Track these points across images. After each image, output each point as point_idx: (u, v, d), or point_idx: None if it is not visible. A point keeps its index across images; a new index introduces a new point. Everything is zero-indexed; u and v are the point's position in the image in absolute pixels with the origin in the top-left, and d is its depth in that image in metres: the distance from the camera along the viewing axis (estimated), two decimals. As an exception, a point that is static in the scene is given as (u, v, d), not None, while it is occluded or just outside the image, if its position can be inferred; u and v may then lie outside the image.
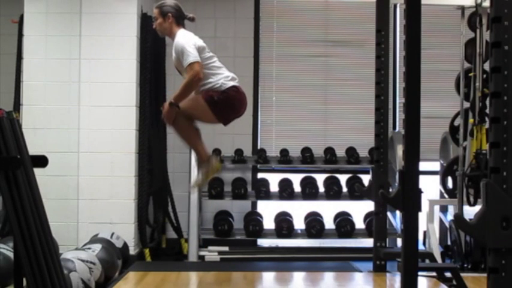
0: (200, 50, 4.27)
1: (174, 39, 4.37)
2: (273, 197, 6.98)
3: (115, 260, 5.31)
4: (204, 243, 6.64)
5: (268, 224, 6.90)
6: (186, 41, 4.26)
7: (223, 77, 4.33)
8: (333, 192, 6.94)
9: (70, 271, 4.38)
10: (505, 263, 2.45)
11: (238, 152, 6.99)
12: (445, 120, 6.30)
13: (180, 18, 4.46)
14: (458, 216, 2.69)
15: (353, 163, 7.06)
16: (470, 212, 5.39)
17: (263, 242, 7.16)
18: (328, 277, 5.27)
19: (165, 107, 4.29)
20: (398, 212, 6.59)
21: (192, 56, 4.19)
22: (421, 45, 3.39)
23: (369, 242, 6.17)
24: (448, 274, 4.51)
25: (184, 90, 4.23)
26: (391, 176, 6.30)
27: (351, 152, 7.09)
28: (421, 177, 3.43)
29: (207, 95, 4.29)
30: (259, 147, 7.29)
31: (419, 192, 3.38)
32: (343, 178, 7.10)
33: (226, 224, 6.78)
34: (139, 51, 6.26)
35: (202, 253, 6.40)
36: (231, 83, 4.33)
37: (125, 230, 5.98)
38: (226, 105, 4.33)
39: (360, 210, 7.03)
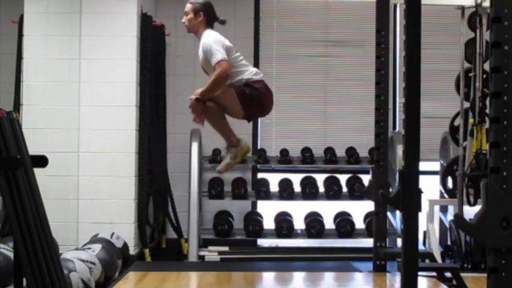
0: (228, 50, 4.26)
1: (201, 38, 4.35)
2: (273, 197, 6.98)
3: (115, 260, 5.31)
4: (204, 243, 6.64)
5: (268, 224, 6.90)
6: (214, 40, 4.24)
7: (249, 72, 4.34)
8: (333, 192, 6.94)
9: (70, 271, 4.38)
10: (505, 263, 2.45)
11: (238, 152, 6.99)
12: (445, 120, 6.30)
13: (211, 19, 4.44)
14: (458, 216, 2.69)
15: (353, 163, 7.07)
16: (470, 212, 5.38)
17: (263, 242, 7.16)
18: (328, 277, 5.27)
19: (192, 102, 4.21)
20: (398, 212, 6.59)
21: (220, 54, 4.17)
22: (421, 45, 3.39)
23: (369, 242, 6.17)
24: (448, 274, 4.51)
25: (212, 87, 4.18)
26: (391, 176, 6.30)
27: (351, 152, 7.09)
28: (421, 177, 3.43)
29: (239, 88, 4.29)
30: (259, 147, 7.29)
31: (419, 192, 3.38)
32: (343, 178, 7.10)
33: (226, 224, 6.78)
34: (139, 51, 6.25)
35: (202, 253, 6.39)
36: (258, 77, 4.35)
37: (125, 230, 5.98)
38: (256, 100, 4.32)
39: (360, 210, 7.03)
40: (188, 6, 4.43)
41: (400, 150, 5.88)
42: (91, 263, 4.78)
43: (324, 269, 5.86)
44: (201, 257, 6.34)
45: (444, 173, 6.28)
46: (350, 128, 7.45)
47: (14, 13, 6.48)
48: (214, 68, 4.17)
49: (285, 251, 6.80)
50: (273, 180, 7.07)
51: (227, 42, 4.32)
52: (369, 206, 6.40)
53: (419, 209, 3.38)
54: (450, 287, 4.40)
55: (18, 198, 3.24)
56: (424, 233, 6.09)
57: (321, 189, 7.01)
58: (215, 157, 7.02)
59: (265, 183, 7.01)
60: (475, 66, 5.67)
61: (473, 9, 5.71)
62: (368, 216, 6.81)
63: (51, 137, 5.98)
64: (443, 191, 6.33)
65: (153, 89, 6.50)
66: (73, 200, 6.02)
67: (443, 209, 6.70)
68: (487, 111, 5.37)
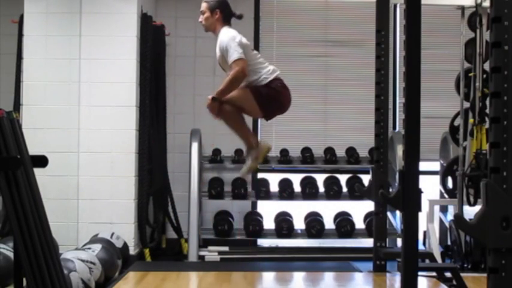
0: (245, 47, 4.27)
1: (218, 36, 4.36)
2: (273, 197, 6.98)
3: (115, 260, 5.31)
4: (204, 243, 6.64)
5: (268, 224, 6.90)
6: (231, 38, 4.26)
7: (266, 71, 4.35)
8: (333, 192, 6.94)
9: (70, 271, 4.38)
10: (505, 263, 2.45)
11: (238, 152, 6.98)
12: (445, 120, 6.30)
13: (227, 16, 4.45)
14: (458, 216, 2.69)
15: (353, 163, 7.06)
16: (470, 212, 5.39)
17: (263, 242, 7.16)
18: (328, 277, 5.27)
19: (209, 101, 4.24)
20: (398, 212, 6.59)
21: (237, 52, 4.19)
22: (421, 45, 3.39)
23: (369, 242, 6.17)
24: (448, 274, 4.51)
25: (228, 86, 4.20)
26: (391, 176, 6.30)
27: (351, 152, 7.09)
28: (421, 177, 3.43)
29: (255, 88, 4.31)
30: (259, 147, 7.27)
31: (419, 192, 3.38)
32: (343, 178, 7.09)
33: (226, 224, 6.78)
34: (139, 51, 6.25)
35: (202, 253, 6.40)
36: (274, 75, 4.36)
37: (125, 230, 5.98)
38: (273, 99, 4.37)
39: (360, 210, 7.03)
40: (204, 5, 4.44)
41: (400, 150, 5.88)
42: (91, 263, 4.78)
43: (324, 269, 5.86)
44: (201, 257, 6.34)
45: (444, 173, 6.28)
46: (350, 128, 7.44)
47: (14, 13, 6.47)
48: (231, 66, 4.19)
49: (285, 251, 6.80)
50: (273, 180, 7.07)
51: (244, 40, 4.34)
52: (369, 206, 6.40)
53: (419, 209, 3.38)
54: (450, 287, 4.40)
55: (18, 198, 3.24)
56: (424, 233, 6.09)
57: (321, 189, 7.01)
58: (215, 157, 7.04)
59: (265, 183, 7.00)
60: (475, 66, 5.67)
61: (473, 9, 5.71)
62: (368, 216, 6.81)
63: (51, 137, 5.97)
64: (443, 191, 6.33)
65: (153, 89, 6.50)
66: (73, 200, 6.02)
67: (443, 209, 6.70)
68: (487, 111, 5.37)
